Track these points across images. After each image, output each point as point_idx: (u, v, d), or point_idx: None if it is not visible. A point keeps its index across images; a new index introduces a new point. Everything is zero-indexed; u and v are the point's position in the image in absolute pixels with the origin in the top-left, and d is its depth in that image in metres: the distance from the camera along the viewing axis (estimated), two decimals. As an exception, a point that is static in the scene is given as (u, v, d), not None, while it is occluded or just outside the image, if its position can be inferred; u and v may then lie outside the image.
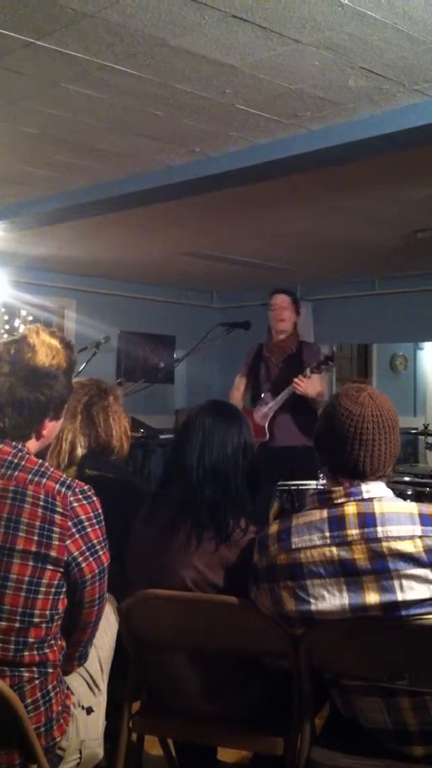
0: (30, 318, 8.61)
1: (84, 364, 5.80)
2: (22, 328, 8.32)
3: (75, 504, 2.03)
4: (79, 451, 2.81)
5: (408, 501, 5.20)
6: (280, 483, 4.81)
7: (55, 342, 2.20)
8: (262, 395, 5.25)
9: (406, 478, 6.41)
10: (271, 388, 5.22)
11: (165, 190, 4.94)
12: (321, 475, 4.79)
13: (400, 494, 5.67)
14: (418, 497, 5.72)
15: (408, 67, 3.33)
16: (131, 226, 6.43)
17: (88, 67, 3.40)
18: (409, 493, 5.71)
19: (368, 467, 2.13)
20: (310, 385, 4.92)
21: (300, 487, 4.75)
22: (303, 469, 4.88)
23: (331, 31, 3.03)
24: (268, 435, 5.15)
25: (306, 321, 9.18)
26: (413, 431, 7.87)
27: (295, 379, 4.90)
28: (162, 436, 7.01)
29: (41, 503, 2.00)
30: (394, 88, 3.53)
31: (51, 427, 2.19)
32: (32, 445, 2.15)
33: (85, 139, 4.33)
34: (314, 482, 4.72)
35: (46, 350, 2.13)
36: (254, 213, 6.01)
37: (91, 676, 2.23)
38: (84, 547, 2.03)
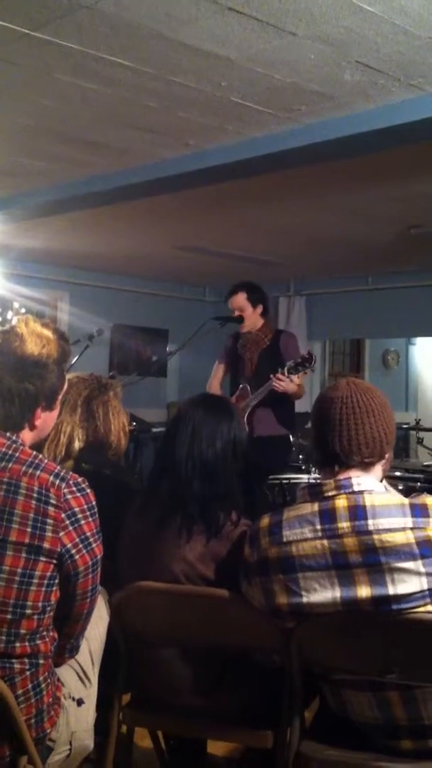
0: (23, 310, 8.58)
1: (77, 357, 5.80)
2: (14, 320, 8.29)
3: (69, 496, 2.03)
4: (77, 445, 2.80)
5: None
6: (271, 476, 4.83)
7: (46, 332, 2.18)
8: (241, 386, 5.19)
9: (397, 473, 6.43)
10: (248, 380, 5.15)
11: (159, 183, 4.92)
12: (313, 469, 4.81)
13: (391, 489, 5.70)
14: (408, 492, 5.74)
15: (404, 61, 3.33)
16: (125, 219, 6.42)
17: (83, 58, 3.39)
18: (400, 487, 5.73)
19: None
20: (290, 383, 4.84)
21: (291, 481, 4.77)
22: (275, 458, 4.89)
23: (327, 24, 3.03)
24: (247, 428, 5.15)
25: (299, 316, 9.20)
26: (405, 426, 7.87)
27: (275, 382, 4.81)
28: (154, 430, 7.02)
29: (35, 495, 1.99)
30: (389, 83, 3.53)
31: (44, 418, 2.17)
32: (26, 435, 2.14)
33: (79, 131, 4.32)
34: (306, 476, 4.75)
35: (35, 340, 2.12)
36: (248, 207, 6.00)
37: (82, 668, 2.23)
38: (77, 540, 2.02)
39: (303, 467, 5.61)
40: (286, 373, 4.80)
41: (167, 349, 9.36)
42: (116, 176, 5.05)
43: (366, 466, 2.15)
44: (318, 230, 6.72)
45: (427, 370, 11.43)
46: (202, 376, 5.64)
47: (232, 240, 7.21)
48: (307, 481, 4.51)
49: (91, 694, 2.23)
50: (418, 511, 2.04)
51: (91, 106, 3.95)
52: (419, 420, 7.45)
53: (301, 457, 5.84)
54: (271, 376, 4.81)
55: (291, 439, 5.22)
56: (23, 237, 7.14)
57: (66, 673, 2.18)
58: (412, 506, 2.05)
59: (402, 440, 9.42)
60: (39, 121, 4.19)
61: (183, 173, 4.72)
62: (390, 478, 5.94)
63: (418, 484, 5.85)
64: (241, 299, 5.18)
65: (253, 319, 5.20)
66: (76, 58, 3.39)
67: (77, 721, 2.12)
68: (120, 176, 5.03)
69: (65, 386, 2.25)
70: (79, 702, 2.15)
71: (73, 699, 2.14)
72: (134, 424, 6.66)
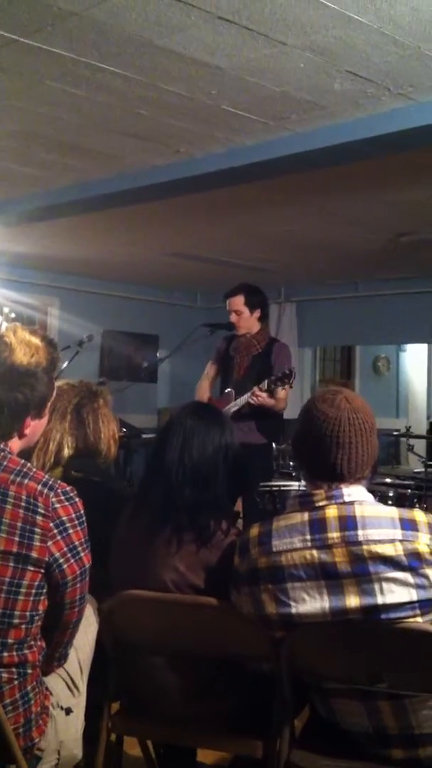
0: (13, 315, 8.57)
1: (67, 363, 5.80)
2: (4, 326, 8.28)
3: (57, 505, 2.02)
4: (66, 452, 2.79)
5: (389, 504, 5.26)
6: (262, 483, 4.82)
7: (35, 340, 2.18)
8: (227, 390, 5.16)
9: (388, 480, 6.44)
10: (235, 385, 5.12)
11: (149, 190, 4.93)
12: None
13: (382, 496, 5.71)
14: (399, 499, 5.76)
15: (393, 71, 3.35)
16: (115, 226, 6.42)
17: (73, 65, 3.40)
18: (391, 494, 5.74)
19: (346, 470, 2.13)
20: (267, 398, 4.83)
21: (282, 488, 4.77)
22: (259, 466, 4.86)
23: (316, 34, 3.04)
24: None
25: (289, 322, 9.21)
26: (395, 433, 7.89)
27: (253, 392, 4.81)
28: (144, 436, 7.00)
29: (23, 504, 1.99)
30: (379, 91, 3.55)
31: (34, 426, 2.18)
32: (15, 444, 2.14)
33: (69, 137, 4.32)
34: (296, 483, 4.74)
35: (24, 349, 2.12)
36: (238, 214, 6.01)
37: (70, 677, 2.22)
38: (66, 549, 2.02)
39: (293, 474, 5.60)
40: (264, 387, 4.78)
41: (158, 354, 9.36)
42: (107, 183, 5.05)
43: (358, 479, 2.16)
44: (308, 237, 6.73)
45: (418, 376, 11.46)
46: (193, 381, 5.64)
47: (223, 246, 7.22)
48: (297, 488, 4.51)
49: (79, 702, 2.22)
50: (408, 524, 2.05)
51: (81, 113, 3.96)
52: (409, 427, 7.46)
53: (292, 464, 5.83)
54: (252, 391, 4.81)
55: (274, 447, 5.20)
56: (14, 242, 7.13)
57: (54, 682, 2.17)
58: (402, 519, 2.05)
59: (392, 447, 9.45)
60: (29, 127, 4.20)
61: (173, 180, 4.74)
62: (381, 485, 5.98)
63: (409, 491, 5.86)
64: (238, 301, 5.12)
65: (249, 323, 5.15)
66: (67, 64, 3.39)
67: (66, 730, 2.12)
68: (110, 183, 5.04)
69: (54, 394, 2.25)
70: (68, 711, 2.14)
71: (62, 708, 2.13)
72: (124, 430, 6.64)
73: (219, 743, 2.45)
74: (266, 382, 4.80)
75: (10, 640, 1.96)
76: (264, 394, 4.80)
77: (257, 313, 5.16)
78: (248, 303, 5.13)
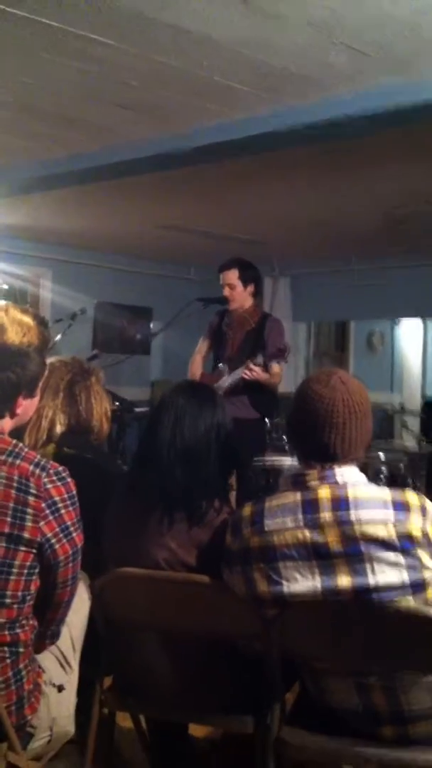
0: (5, 287, 8.53)
1: (60, 336, 5.78)
2: (-2, 299, 8.26)
3: (49, 485, 2.02)
4: (59, 429, 2.80)
5: (381, 479, 5.27)
6: (255, 459, 4.82)
7: (26, 319, 2.18)
8: (219, 365, 5.15)
9: (381, 455, 6.46)
10: (228, 360, 5.11)
11: (141, 162, 4.88)
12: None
13: (375, 471, 5.73)
14: (392, 474, 5.78)
15: (389, 46, 3.31)
16: (108, 198, 6.37)
17: (64, 36, 3.34)
18: (384, 470, 5.76)
19: (339, 450, 2.13)
20: (260, 373, 4.81)
21: (275, 463, 4.77)
22: (251, 441, 4.86)
23: (312, 6, 3.00)
24: None
25: (283, 296, 9.19)
26: (389, 408, 7.91)
27: (247, 367, 4.80)
28: (137, 409, 7.00)
29: (15, 484, 1.99)
30: (374, 67, 3.51)
31: (26, 405, 2.17)
32: (7, 423, 2.14)
33: (61, 108, 4.27)
34: (289, 458, 4.74)
35: (16, 328, 2.12)
36: (232, 188, 5.97)
37: (63, 654, 2.24)
38: (58, 529, 2.03)
39: (287, 448, 5.60)
40: (259, 362, 4.77)
41: (151, 327, 9.33)
42: (98, 154, 5.00)
43: (351, 460, 2.16)
44: (302, 212, 6.69)
45: (412, 351, 11.44)
46: (186, 354, 5.63)
47: (216, 220, 7.17)
48: (290, 463, 4.51)
49: (72, 680, 2.24)
50: (400, 506, 2.05)
51: (71, 84, 3.90)
52: (403, 404, 7.48)
53: (285, 438, 5.84)
54: (246, 365, 4.79)
55: (267, 423, 5.20)
56: (5, 214, 7.07)
57: (47, 659, 2.19)
58: (394, 501, 2.06)
59: (386, 421, 9.47)
60: (19, 99, 4.14)
61: (165, 153, 4.68)
62: (373, 460, 6.00)
63: (402, 466, 5.89)
64: (232, 276, 5.10)
65: (242, 298, 5.13)
66: (57, 35, 3.34)
67: (58, 707, 2.14)
68: (102, 154, 4.98)
69: (46, 373, 2.25)
70: (60, 688, 2.16)
71: (54, 685, 2.15)
72: (117, 404, 6.64)
73: (209, 720, 2.47)
74: (260, 357, 4.79)
75: (2, 620, 1.97)
76: (258, 369, 4.79)
77: (250, 288, 5.14)
78: (242, 277, 5.10)
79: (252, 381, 4.83)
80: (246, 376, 4.80)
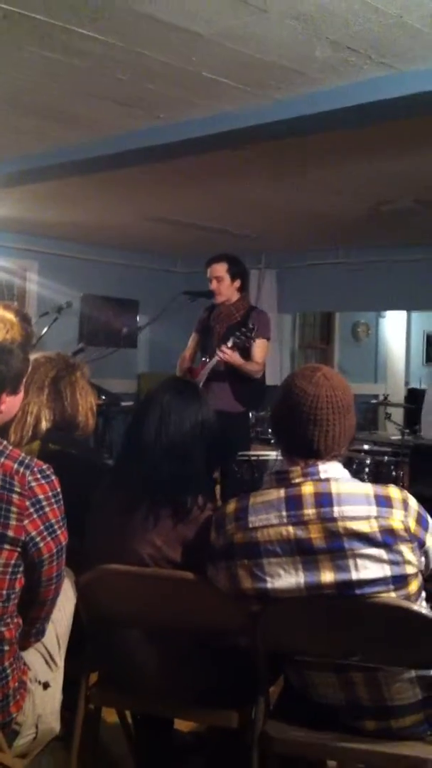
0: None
1: (46, 329, 5.77)
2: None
3: (33, 483, 2.02)
4: (44, 425, 2.79)
5: (367, 471, 5.28)
6: (240, 453, 4.84)
7: (9, 315, 2.18)
8: (203, 359, 5.17)
9: (366, 446, 6.49)
10: (211, 354, 5.10)
11: (129, 155, 4.87)
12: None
13: (359, 463, 5.76)
14: (376, 465, 5.81)
15: (375, 39, 3.31)
16: (96, 190, 6.35)
17: (51, 30, 3.33)
18: (368, 462, 5.79)
19: (323, 447, 2.14)
20: (234, 355, 4.83)
21: (260, 457, 4.78)
22: (235, 436, 4.87)
23: (298, 1, 3.00)
24: None
25: (269, 288, 9.19)
26: (374, 400, 7.94)
27: (219, 349, 4.83)
28: (123, 403, 6.99)
29: (-1, 483, 1.99)
30: (360, 60, 3.51)
31: (9, 402, 2.17)
32: (-9, 421, 2.13)
33: (48, 102, 4.25)
34: (275, 452, 4.76)
35: None
36: (219, 180, 5.96)
37: (48, 652, 2.23)
38: (42, 527, 2.02)
39: (272, 441, 5.62)
40: (229, 345, 4.80)
41: (137, 319, 9.31)
42: (86, 148, 4.98)
43: (334, 456, 2.17)
44: (288, 205, 6.69)
45: (396, 342, 11.51)
46: (173, 347, 5.63)
47: (203, 212, 7.17)
48: (276, 457, 4.53)
49: (57, 677, 2.24)
50: (383, 501, 2.07)
51: (59, 78, 3.89)
52: (387, 395, 7.50)
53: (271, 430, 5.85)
54: (219, 349, 4.82)
55: (250, 417, 5.20)
56: (-8, 206, 7.05)
57: (32, 656, 2.19)
58: (377, 496, 2.08)
59: (370, 412, 9.50)
60: (7, 92, 4.12)
61: (152, 146, 4.68)
62: (358, 451, 6.03)
63: (386, 458, 5.92)
64: (221, 268, 5.13)
65: (229, 291, 5.15)
66: (45, 29, 3.32)
67: (43, 704, 2.14)
68: (89, 148, 4.96)
69: (29, 369, 2.24)
70: (45, 685, 2.16)
71: (39, 682, 2.15)
72: (103, 398, 6.63)
73: (194, 714, 2.49)
74: (231, 339, 4.82)
75: (-14, 619, 1.97)
76: (229, 351, 4.80)
77: (237, 283, 5.17)
78: (230, 271, 5.14)
79: (229, 363, 4.84)
80: (220, 357, 4.81)
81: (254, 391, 5.14)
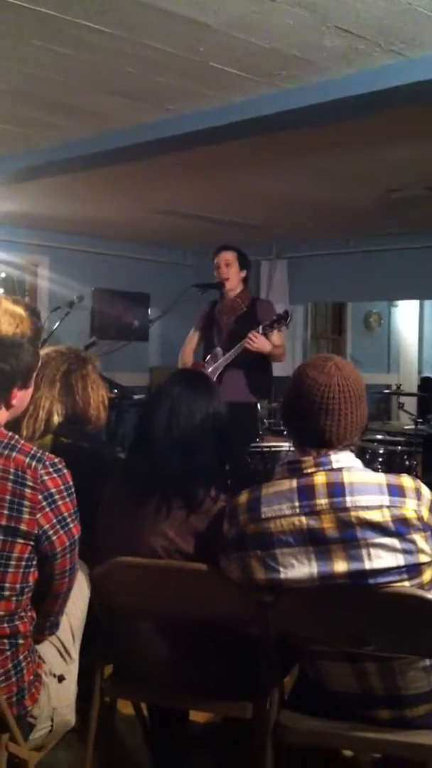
0: (2, 275, 8.51)
1: (58, 323, 5.78)
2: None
3: (45, 477, 2.02)
4: (56, 419, 2.79)
5: (380, 461, 5.27)
6: (252, 444, 4.83)
7: (18, 309, 2.18)
8: (216, 349, 5.17)
9: (379, 436, 6.48)
10: (222, 345, 5.13)
11: (138, 148, 4.87)
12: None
13: (373, 453, 5.75)
14: (389, 455, 5.80)
15: (384, 27, 3.29)
16: (105, 183, 6.35)
17: (58, 23, 3.33)
18: (381, 451, 5.78)
19: (335, 437, 2.13)
20: (265, 341, 4.82)
21: (273, 448, 4.78)
22: (244, 427, 4.86)
23: (305, -11, 2.99)
24: None
25: (281, 279, 9.17)
26: (386, 389, 7.91)
27: (249, 335, 4.80)
28: (136, 396, 6.99)
29: (11, 477, 1.99)
30: (369, 48, 3.49)
31: (20, 397, 2.17)
32: (2, 415, 2.14)
33: (56, 96, 4.25)
34: (287, 444, 4.75)
35: (9, 319, 2.11)
36: (228, 171, 5.95)
37: (62, 644, 2.25)
38: (54, 521, 2.03)
39: (285, 433, 5.60)
40: (261, 330, 4.78)
41: (149, 313, 9.31)
42: (95, 141, 4.98)
43: (346, 446, 2.16)
44: (298, 194, 6.67)
45: (409, 332, 11.47)
46: (184, 340, 5.63)
47: (213, 204, 7.15)
48: (288, 448, 4.52)
49: (72, 669, 2.25)
50: (395, 490, 2.06)
51: (67, 71, 3.89)
52: (400, 385, 7.48)
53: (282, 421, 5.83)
54: (249, 335, 4.79)
55: (259, 408, 5.19)
56: (1, 201, 7.04)
57: (47, 649, 2.20)
58: (389, 485, 2.07)
59: (383, 402, 9.48)
60: (15, 86, 4.13)
61: (161, 138, 4.67)
62: (371, 441, 6.02)
63: (399, 447, 5.90)
64: (230, 256, 5.19)
65: (236, 281, 5.19)
66: (52, 23, 3.32)
67: (58, 697, 2.15)
68: (98, 141, 4.97)
69: (39, 363, 2.24)
70: (60, 678, 2.17)
71: (54, 675, 2.16)
72: (115, 391, 6.64)
73: (208, 706, 2.49)
74: (261, 326, 4.81)
75: (1, 613, 1.98)
76: (261, 338, 4.79)
77: (243, 273, 5.23)
78: (239, 259, 5.20)
79: (255, 352, 4.81)
80: (249, 346, 4.79)
81: (267, 382, 5.15)
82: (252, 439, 4.91)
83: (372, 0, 3.07)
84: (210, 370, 5.01)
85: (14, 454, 2.02)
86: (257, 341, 4.80)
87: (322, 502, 2.07)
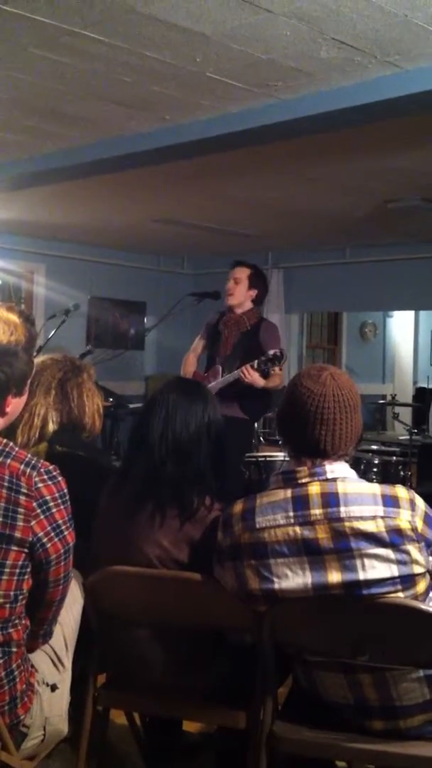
0: (-1, 282, 8.53)
1: (54, 331, 5.78)
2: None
3: (40, 484, 2.02)
4: (51, 427, 2.79)
5: (375, 471, 5.27)
6: (248, 455, 4.84)
7: (13, 317, 2.18)
8: (216, 366, 5.14)
9: (374, 447, 6.48)
10: (222, 359, 5.11)
11: (135, 157, 4.88)
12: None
13: (367, 463, 5.75)
14: (384, 466, 5.80)
15: (380, 38, 3.30)
16: (102, 192, 6.36)
17: (56, 32, 3.34)
18: (376, 462, 5.79)
19: (329, 446, 2.14)
20: (257, 377, 4.76)
21: (268, 458, 4.78)
22: (238, 438, 4.83)
23: (302, 1, 2.99)
24: None
25: (277, 289, 9.18)
26: (381, 400, 7.92)
27: (243, 369, 4.77)
28: (131, 405, 6.99)
29: (6, 484, 1.99)
30: (365, 59, 3.51)
31: (15, 404, 2.17)
32: (-3, 423, 2.13)
33: (53, 104, 4.26)
34: (282, 454, 4.75)
35: (3, 327, 2.12)
36: (225, 181, 5.96)
37: (55, 653, 2.24)
38: (49, 528, 2.03)
39: (280, 441, 5.60)
40: (255, 366, 4.75)
41: (145, 321, 9.31)
42: (91, 150, 4.99)
43: (341, 456, 2.17)
44: (295, 204, 6.69)
45: (404, 342, 11.49)
46: (180, 349, 5.63)
47: (209, 213, 7.17)
48: (283, 458, 4.52)
49: (65, 678, 2.24)
50: (390, 501, 2.06)
51: (65, 80, 3.90)
52: (395, 395, 7.48)
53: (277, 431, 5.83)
54: (243, 369, 4.77)
55: (255, 426, 5.17)
56: (-2, 209, 7.06)
57: (40, 658, 2.19)
58: (384, 496, 2.07)
59: (378, 412, 9.48)
60: (13, 95, 4.13)
61: (158, 147, 4.68)
62: (366, 452, 6.02)
63: (394, 458, 5.91)
64: (243, 273, 5.14)
65: (242, 297, 5.14)
66: (50, 32, 3.33)
67: (51, 706, 2.14)
68: (95, 150, 4.97)
69: (33, 371, 2.24)
70: (53, 687, 2.16)
71: (47, 684, 2.15)
72: (111, 400, 6.64)
73: (202, 715, 2.49)
74: (257, 362, 4.77)
75: (-6, 620, 1.98)
76: (255, 373, 4.77)
77: (253, 292, 5.15)
78: (251, 278, 5.14)
79: (248, 384, 4.81)
80: (245, 378, 4.76)
81: (263, 403, 5.11)
82: (247, 452, 4.91)
83: (368, 12, 3.08)
84: (209, 386, 5.00)
85: (9, 461, 2.02)
86: (250, 377, 4.76)
87: (317, 512, 2.07)
